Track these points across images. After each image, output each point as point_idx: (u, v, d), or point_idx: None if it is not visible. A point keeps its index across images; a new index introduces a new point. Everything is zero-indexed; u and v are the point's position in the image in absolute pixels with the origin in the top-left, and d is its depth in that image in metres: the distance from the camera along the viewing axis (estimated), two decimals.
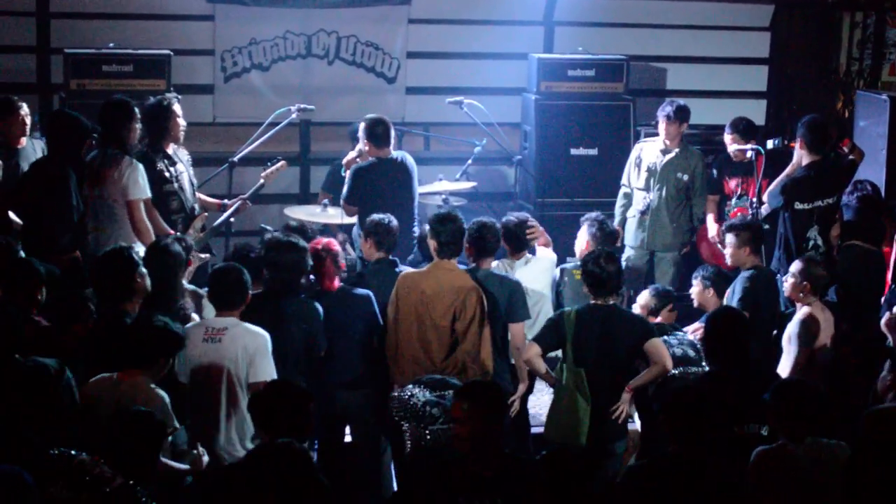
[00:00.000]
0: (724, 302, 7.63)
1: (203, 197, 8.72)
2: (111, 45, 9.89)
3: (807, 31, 12.22)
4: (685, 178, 9.41)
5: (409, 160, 8.72)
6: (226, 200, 8.73)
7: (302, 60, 11.00)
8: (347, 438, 7.35)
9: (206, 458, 5.89)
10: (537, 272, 7.72)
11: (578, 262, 7.61)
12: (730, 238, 7.84)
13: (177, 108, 8.30)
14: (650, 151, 9.52)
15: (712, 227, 9.36)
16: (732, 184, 9.50)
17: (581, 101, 10.75)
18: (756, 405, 5.74)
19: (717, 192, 9.51)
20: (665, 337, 7.19)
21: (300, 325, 6.69)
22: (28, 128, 8.45)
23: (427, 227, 7.23)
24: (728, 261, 7.96)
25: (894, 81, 12.23)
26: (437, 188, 9.43)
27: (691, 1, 11.89)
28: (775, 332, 7.71)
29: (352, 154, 8.73)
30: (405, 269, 7.46)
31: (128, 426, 5.13)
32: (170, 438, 5.61)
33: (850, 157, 9.11)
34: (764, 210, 8.93)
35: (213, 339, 6.26)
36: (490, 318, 6.96)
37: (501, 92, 11.16)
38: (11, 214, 7.78)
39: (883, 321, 7.14)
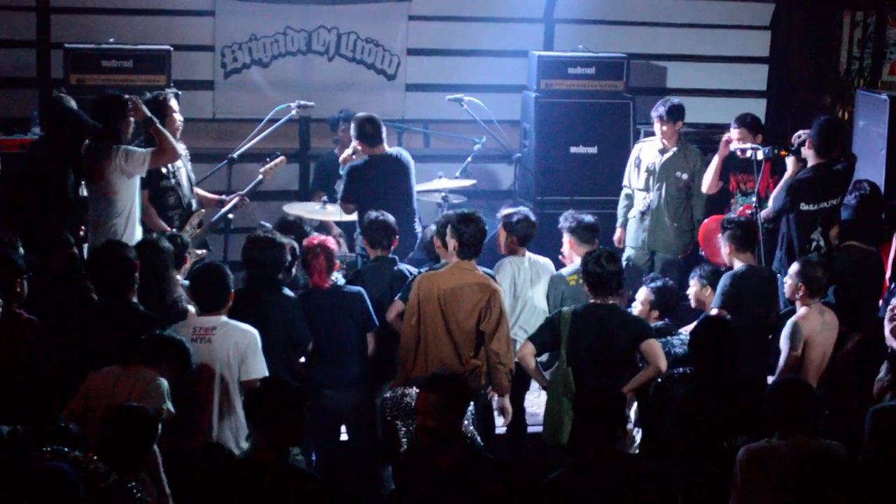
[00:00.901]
0: None
1: (201, 193, 8.72)
2: (111, 40, 9.87)
3: (807, 30, 12.19)
4: (685, 176, 9.39)
5: (406, 156, 8.71)
6: (224, 196, 8.72)
7: (302, 57, 10.98)
8: (344, 437, 7.34)
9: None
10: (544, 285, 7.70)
11: (571, 269, 7.61)
12: (720, 235, 7.85)
13: (173, 103, 8.31)
14: (649, 151, 9.50)
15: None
16: (734, 181, 9.47)
17: (581, 99, 10.72)
18: (744, 416, 5.75)
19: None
20: (668, 337, 7.18)
21: (282, 319, 6.71)
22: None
23: (433, 228, 7.21)
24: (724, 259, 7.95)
25: (894, 81, 12.22)
26: (436, 185, 9.42)
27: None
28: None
29: (347, 152, 8.71)
30: (404, 267, 7.46)
31: (120, 422, 5.13)
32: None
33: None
34: (764, 214, 8.82)
35: (203, 339, 6.26)
36: None
37: (501, 89, 11.13)
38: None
39: (887, 329, 7.12)
